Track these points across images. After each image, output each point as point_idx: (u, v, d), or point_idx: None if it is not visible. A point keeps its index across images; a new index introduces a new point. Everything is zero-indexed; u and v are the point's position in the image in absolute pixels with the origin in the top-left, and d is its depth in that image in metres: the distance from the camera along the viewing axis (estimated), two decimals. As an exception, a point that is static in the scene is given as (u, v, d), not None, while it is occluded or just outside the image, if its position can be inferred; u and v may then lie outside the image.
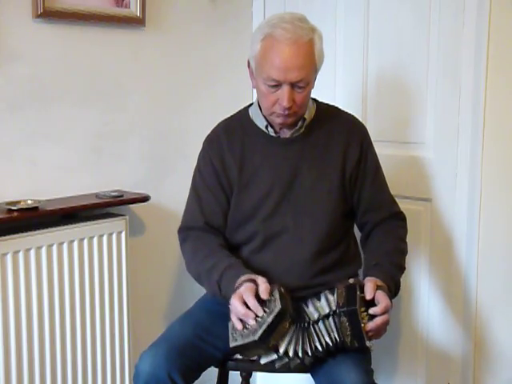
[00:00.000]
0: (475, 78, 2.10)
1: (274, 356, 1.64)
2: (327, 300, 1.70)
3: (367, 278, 1.70)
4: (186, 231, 1.92)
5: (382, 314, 1.63)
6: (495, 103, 2.07)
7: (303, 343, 1.64)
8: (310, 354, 1.64)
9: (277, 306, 1.58)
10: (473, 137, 2.13)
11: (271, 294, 1.62)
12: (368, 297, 1.64)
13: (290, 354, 1.63)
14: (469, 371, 2.22)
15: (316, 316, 1.68)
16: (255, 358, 1.69)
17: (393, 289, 1.75)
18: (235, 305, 1.62)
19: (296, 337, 1.64)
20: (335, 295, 1.67)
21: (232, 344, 1.62)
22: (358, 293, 1.63)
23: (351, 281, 1.69)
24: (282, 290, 1.65)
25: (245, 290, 1.62)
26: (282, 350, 1.62)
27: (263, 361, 1.66)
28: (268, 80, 1.73)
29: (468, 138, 2.14)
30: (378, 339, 1.68)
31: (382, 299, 1.64)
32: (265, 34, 1.73)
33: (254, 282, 1.65)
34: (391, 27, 2.29)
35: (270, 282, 1.71)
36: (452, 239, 2.22)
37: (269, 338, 1.58)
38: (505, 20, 2.03)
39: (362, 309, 1.62)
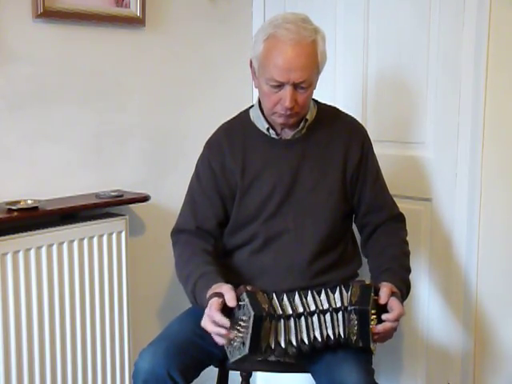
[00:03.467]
0: (475, 78, 2.10)
1: (269, 353, 1.63)
2: (341, 294, 1.69)
3: (383, 283, 1.71)
4: (177, 234, 1.93)
5: (394, 321, 1.64)
6: (495, 103, 2.07)
7: (300, 331, 1.64)
8: (306, 342, 1.64)
9: (251, 313, 1.55)
10: (473, 137, 2.13)
11: (240, 298, 1.61)
12: (382, 301, 1.65)
13: (282, 344, 1.62)
14: (469, 370, 2.22)
15: (326, 306, 1.68)
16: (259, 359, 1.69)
17: (405, 291, 1.77)
18: (207, 326, 1.61)
19: (286, 326, 1.63)
20: (349, 292, 1.67)
21: (232, 359, 1.63)
22: (372, 294, 1.64)
23: (367, 281, 1.70)
24: (249, 288, 1.62)
25: (209, 309, 1.61)
26: (273, 346, 1.61)
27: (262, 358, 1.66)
28: (270, 80, 1.73)
29: (468, 138, 2.14)
30: (382, 343, 1.69)
31: (396, 307, 1.65)
32: (268, 34, 1.73)
33: (219, 294, 1.63)
34: (391, 27, 2.28)
35: (268, 285, 1.73)
36: (452, 239, 2.22)
37: (259, 344, 1.57)
38: (505, 20, 2.03)
39: (373, 311, 1.63)
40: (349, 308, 1.64)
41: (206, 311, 1.62)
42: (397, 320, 1.64)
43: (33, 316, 1.95)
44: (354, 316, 1.62)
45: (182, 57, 2.41)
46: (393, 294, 1.68)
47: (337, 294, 1.70)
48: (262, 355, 1.62)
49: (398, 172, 2.27)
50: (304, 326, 1.65)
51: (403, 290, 1.75)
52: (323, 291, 1.71)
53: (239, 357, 1.59)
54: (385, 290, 1.67)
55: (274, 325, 1.61)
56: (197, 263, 1.80)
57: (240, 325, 1.58)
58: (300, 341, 1.63)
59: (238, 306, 1.60)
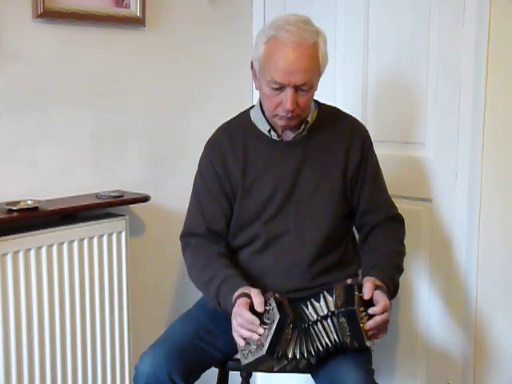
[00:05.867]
0: (475, 78, 2.10)
1: (285, 362, 1.63)
2: (326, 301, 1.69)
3: (366, 278, 1.71)
4: (187, 237, 1.92)
5: (381, 313, 1.63)
6: (495, 103, 2.07)
7: (306, 344, 1.64)
8: (313, 354, 1.64)
9: (276, 316, 1.57)
10: (473, 137, 2.13)
11: (267, 303, 1.61)
12: (366, 297, 1.64)
13: (297, 356, 1.63)
14: (469, 371, 2.22)
15: (315, 317, 1.68)
16: (270, 369, 1.68)
17: (391, 289, 1.75)
18: (234, 325, 1.61)
19: (300, 338, 1.64)
20: (334, 296, 1.67)
21: (244, 362, 1.63)
22: (357, 293, 1.64)
23: (349, 281, 1.68)
24: (277, 295, 1.64)
25: (237, 308, 1.61)
26: (290, 355, 1.62)
27: (276, 368, 1.65)
28: (271, 83, 1.72)
29: (468, 138, 2.14)
30: (378, 339, 1.68)
31: (381, 299, 1.64)
32: (269, 36, 1.72)
33: (247, 295, 1.64)
34: (391, 27, 2.29)
35: (269, 286, 1.73)
36: (452, 239, 2.22)
37: (276, 349, 1.58)
38: (505, 20, 2.03)
39: (361, 309, 1.62)
40: (336, 312, 1.64)
41: (234, 310, 1.62)
42: (384, 312, 1.63)
43: (33, 316, 1.95)
44: (343, 319, 1.62)
45: (181, 57, 2.41)
46: (377, 287, 1.67)
47: (322, 302, 1.70)
48: (276, 361, 1.62)
49: (398, 172, 2.27)
50: (308, 338, 1.65)
51: (389, 286, 1.73)
52: (308, 303, 1.71)
53: (252, 359, 1.60)
54: (367, 284, 1.66)
55: (291, 334, 1.61)
56: (216, 267, 1.79)
57: (262, 327, 1.58)
58: (309, 353, 1.64)
59: (264, 310, 1.61)
